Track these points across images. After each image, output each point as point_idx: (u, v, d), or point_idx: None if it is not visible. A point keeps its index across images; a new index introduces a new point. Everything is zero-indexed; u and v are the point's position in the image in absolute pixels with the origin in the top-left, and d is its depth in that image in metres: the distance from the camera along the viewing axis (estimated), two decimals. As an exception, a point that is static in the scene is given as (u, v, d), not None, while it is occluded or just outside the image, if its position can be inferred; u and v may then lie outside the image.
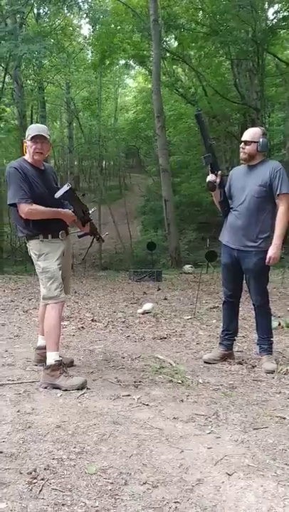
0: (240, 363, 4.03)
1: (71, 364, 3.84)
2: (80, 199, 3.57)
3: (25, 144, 3.53)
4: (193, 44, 20.22)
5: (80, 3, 18.75)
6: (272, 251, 3.72)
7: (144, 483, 2.03)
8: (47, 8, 19.93)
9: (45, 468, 2.13)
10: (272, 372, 3.73)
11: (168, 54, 21.26)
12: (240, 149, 3.91)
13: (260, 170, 3.83)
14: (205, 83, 20.63)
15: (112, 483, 2.03)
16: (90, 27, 21.24)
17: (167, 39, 21.60)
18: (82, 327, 5.64)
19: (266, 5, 18.85)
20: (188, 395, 3.20)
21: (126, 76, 33.47)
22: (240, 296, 4.15)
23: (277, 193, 3.71)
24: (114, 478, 2.07)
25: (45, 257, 3.43)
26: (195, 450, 2.36)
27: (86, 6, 19.17)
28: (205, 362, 4.06)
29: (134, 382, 3.47)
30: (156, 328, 5.68)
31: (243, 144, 3.88)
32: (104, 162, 34.02)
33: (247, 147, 3.86)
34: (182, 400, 3.10)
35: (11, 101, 18.26)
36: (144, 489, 1.99)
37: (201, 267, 12.56)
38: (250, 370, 3.87)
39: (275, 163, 3.87)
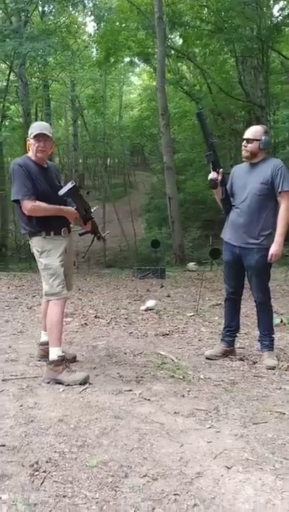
0: (241, 359, 4.06)
1: (74, 360, 3.88)
2: (83, 197, 3.60)
3: (28, 142, 3.56)
4: (197, 41, 20.18)
5: (85, 1, 18.80)
6: (274, 248, 3.75)
7: (144, 476, 2.06)
8: (52, 6, 19.96)
9: (47, 461, 2.16)
10: (273, 368, 3.76)
11: (173, 51, 21.22)
12: (243, 147, 3.93)
13: (262, 168, 3.85)
14: (210, 81, 20.60)
15: (112, 475, 2.06)
16: (95, 25, 21.31)
17: (172, 36, 21.55)
18: (86, 323, 5.68)
19: (271, 2, 18.78)
20: (189, 391, 3.22)
21: (131, 74, 33.45)
22: (242, 293, 4.17)
23: (279, 190, 3.73)
24: (115, 470, 2.10)
25: (48, 253, 3.46)
26: (195, 444, 2.39)
27: (91, 4, 19.25)
28: (207, 358, 4.09)
29: (136, 377, 3.50)
30: (159, 324, 5.71)
31: (245, 141, 3.90)
32: (108, 160, 33.97)
33: (249, 145, 3.88)
34: (183, 395, 3.13)
35: (15, 99, 18.29)
36: (144, 482, 2.02)
37: (205, 264, 12.57)
38: (251, 366, 3.89)
39: (277, 161, 3.89)
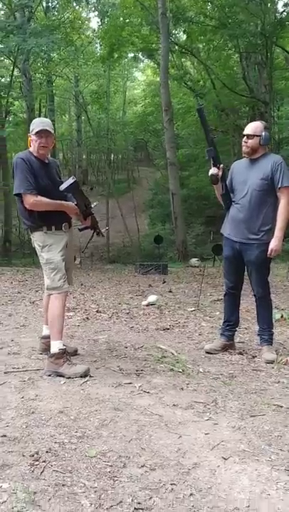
0: (240, 353, 4.09)
1: (75, 353, 3.91)
2: (84, 193, 3.63)
3: (29, 138, 3.59)
4: (201, 37, 20.14)
5: (89, -3, 18.79)
6: (274, 243, 3.77)
7: (142, 466, 2.10)
8: (55, 2, 19.98)
9: (47, 451, 2.20)
10: (271, 362, 3.79)
11: (176, 47, 21.20)
12: (243, 143, 3.95)
13: (262, 163, 3.87)
14: (213, 76, 20.53)
15: (111, 465, 2.09)
16: (99, 20, 21.29)
17: (176, 32, 21.52)
18: (87, 318, 5.72)
19: (275, -3, 18.74)
20: (188, 384, 3.26)
21: (134, 69, 33.45)
22: (242, 288, 4.20)
23: (279, 186, 3.76)
24: (114, 461, 2.14)
25: (49, 248, 3.50)
26: (193, 435, 2.42)
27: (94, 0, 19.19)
28: (206, 352, 4.13)
29: (136, 370, 3.53)
30: (160, 319, 5.75)
31: (245, 137, 3.92)
32: (112, 155, 33.95)
33: (249, 141, 3.90)
34: (182, 388, 3.16)
35: (19, 94, 18.34)
36: (141, 472, 2.05)
37: (208, 260, 12.60)
38: (250, 360, 3.92)
39: (277, 157, 3.92)
